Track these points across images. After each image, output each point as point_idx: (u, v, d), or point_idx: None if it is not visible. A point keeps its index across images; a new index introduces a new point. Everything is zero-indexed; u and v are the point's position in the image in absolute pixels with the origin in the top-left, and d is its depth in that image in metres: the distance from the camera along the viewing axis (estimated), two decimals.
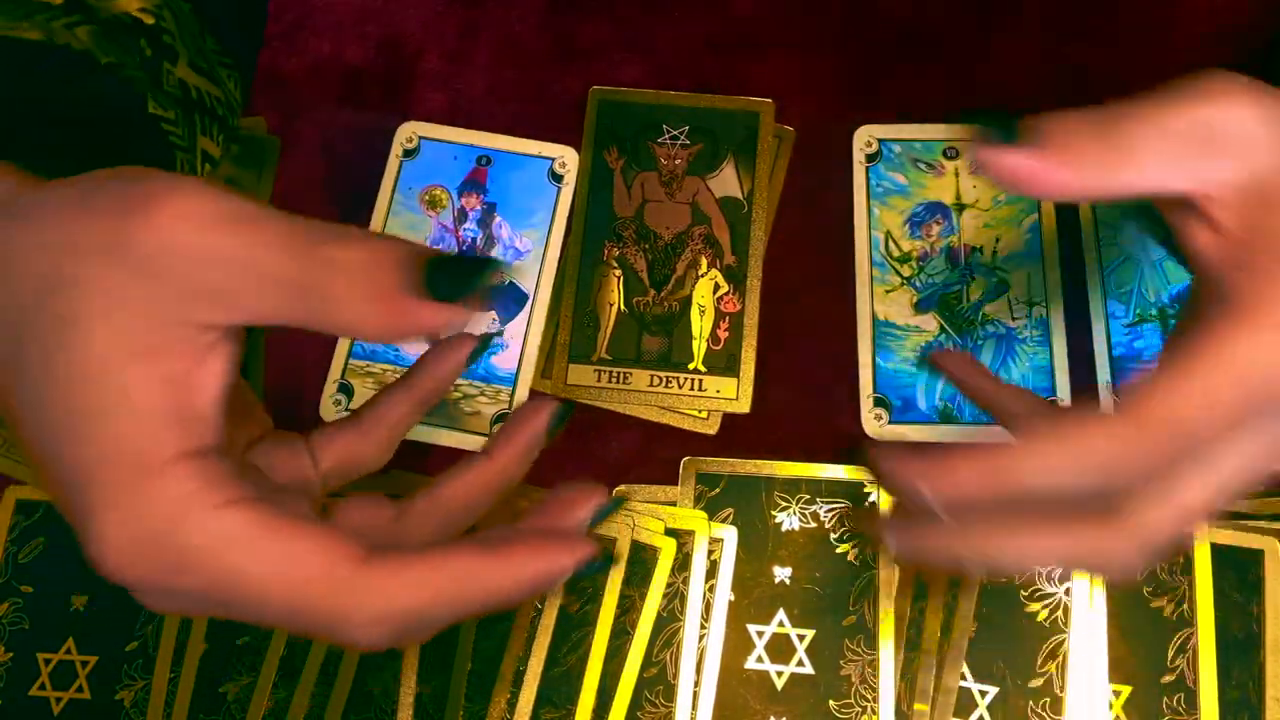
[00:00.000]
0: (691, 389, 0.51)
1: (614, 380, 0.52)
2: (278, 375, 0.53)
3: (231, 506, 0.28)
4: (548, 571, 0.31)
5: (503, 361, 0.53)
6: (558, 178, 0.56)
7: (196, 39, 0.48)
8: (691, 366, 0.52)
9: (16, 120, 0.38)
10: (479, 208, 0.55)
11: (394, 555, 0.29)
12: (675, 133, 0.56)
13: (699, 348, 0.52)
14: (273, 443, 0.37)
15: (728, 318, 0.53)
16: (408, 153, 0.56)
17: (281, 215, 0.29)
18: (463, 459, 0.37)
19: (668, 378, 0.52)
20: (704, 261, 0.53)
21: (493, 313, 0.53)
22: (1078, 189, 0.33)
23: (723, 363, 0.52)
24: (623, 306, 0.53)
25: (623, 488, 0.50)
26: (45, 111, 0.39)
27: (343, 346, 0.53)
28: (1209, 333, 0.30)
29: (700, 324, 0.53)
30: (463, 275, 0.30)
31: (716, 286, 0.53)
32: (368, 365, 0.53)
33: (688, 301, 0.53)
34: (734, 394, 0.51)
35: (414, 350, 0.53)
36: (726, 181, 0.55)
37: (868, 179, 0.55)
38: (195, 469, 0.28)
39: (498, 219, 0.55)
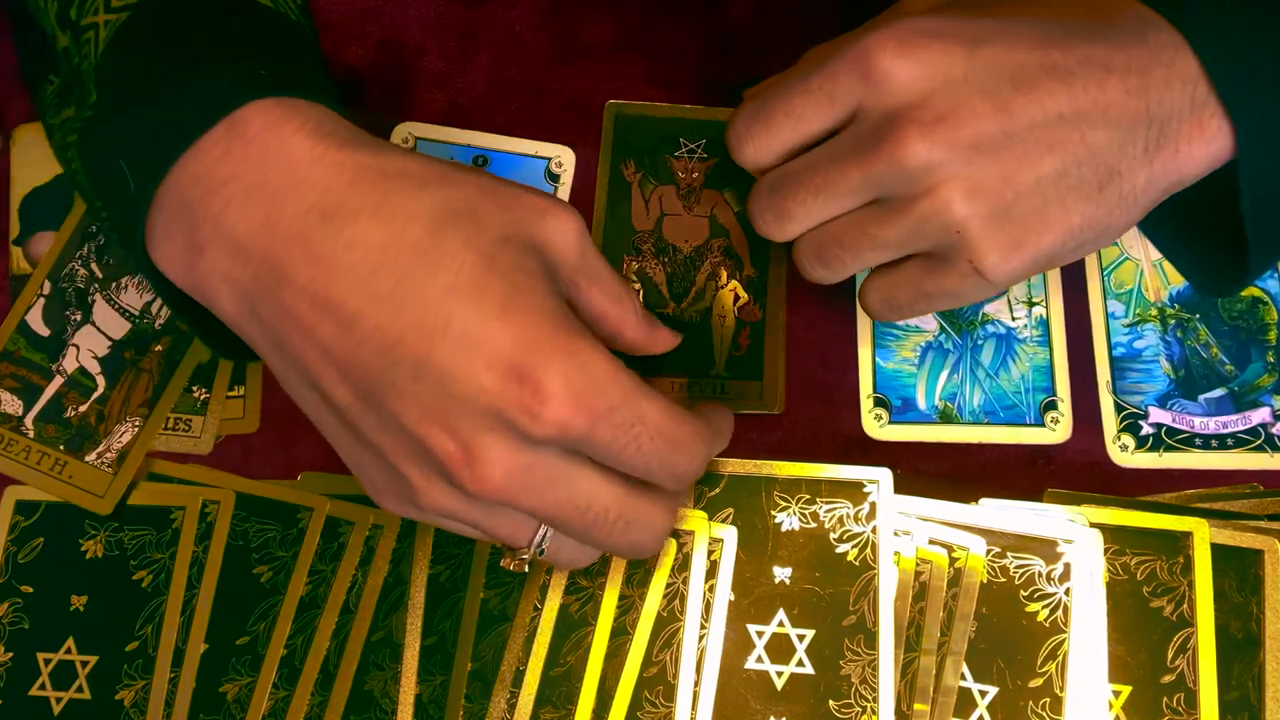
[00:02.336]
0: (715, 393, 0.51)
1: None
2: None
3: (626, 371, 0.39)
4: (728, 429, 0.46)
5: None
6: (554, 177, 0.56)
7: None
8: (713, 373, 0.52)
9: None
10: None
11: (698, 413, 0.42)
12: (692, 146, 0.56)
13: (721, 354, 0.52)
14: None
15: (749, 326, 0.52)
16: None
17: (606, 266, 0.44)
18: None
19: (690, 384, 0.52)
20: (724, 273, 0.53)
21: None
22: (756, 159, 0.44)
23: (745, 368, 0.52)
24: None
25: None
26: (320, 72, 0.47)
27: None
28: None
29: (721, 333, 0.52)
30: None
31: (737, 297, 0.53)
32: None
33: (708, 312, 0.53)
34: (758, 394, 0.51)
35: None
36: (744, 195, 0.55)
37: None
38: (601, 348, 0.38)
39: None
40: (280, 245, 0.37)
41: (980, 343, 0.51)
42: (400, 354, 0.36)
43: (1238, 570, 0.46)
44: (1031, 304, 0.52)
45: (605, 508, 0.39)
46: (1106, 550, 0.46)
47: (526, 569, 0.42)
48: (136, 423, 0.51)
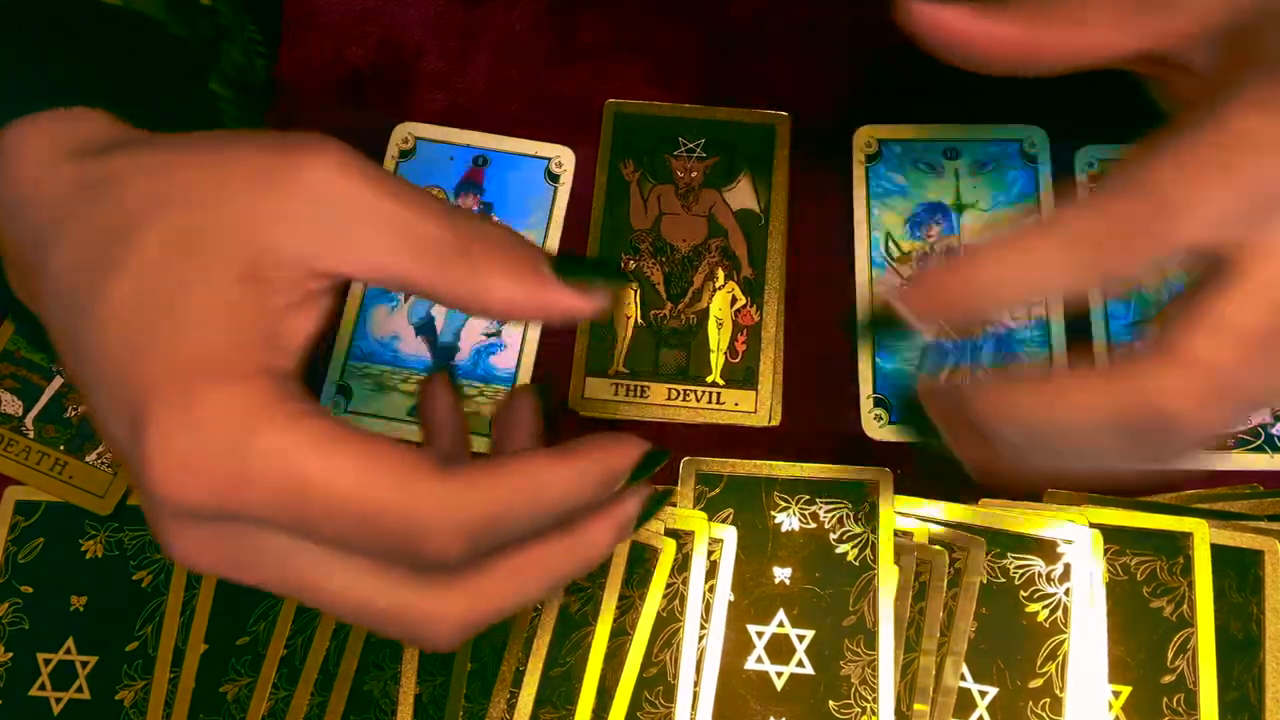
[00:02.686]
0: (710, 402, 0.51)
1: (631, 394, 0.52)
2: None
3: (307, 416, 0.27)
4: (615, 467, 0.31)
5: (501, 361, 0.53)
6: (554, 178, 0.56)
7: (245, 27, 0.48)
8: (709, 380, 0.52)
9: (114, 76, 0.38)
10: (476, 208, 0.55)
11: (468, 464, 0.29)
12: (691, 145, 0.56)
13: (717, 361, 0.52)
14: None
15: (745, 330, 0.52)
16: (404, 154, 0.56)
17: (425, 191, 0.30)
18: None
19: (685, 391, 0.52)
20: (721, 274, 0.53)
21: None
22: (1015, 55, 0.32)
23: (741, 376, 0.52)
24: (640, 320, 0.53)
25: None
26: (119, 73, 0.38)
27: (340, 348, 0.53)
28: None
29: (718, 337, 0.52)
30: (587, 268, 0.31)
31: (734, 299, 0.53)
32: (365, 367, 0.53)
33: (705, 314, 0.53)
34: (752, 407, 0.51)
35: (411, 351, 0.53)
36: (743, 194, 0.55)
37: (867, 179, 0.54)
38: (274, 384, 0.28)
39: (495, 219, 0.55)
40: (21, 268, 0.34)
41: (980, 343, 0.51)
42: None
43: (1238, 570, 0.46)
44: (1031, 304, 0.52)
45: (335, 593, 0.30)
46: (1106, 550, 0.46)
47: None
48: None
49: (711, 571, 0.47)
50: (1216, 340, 0.28)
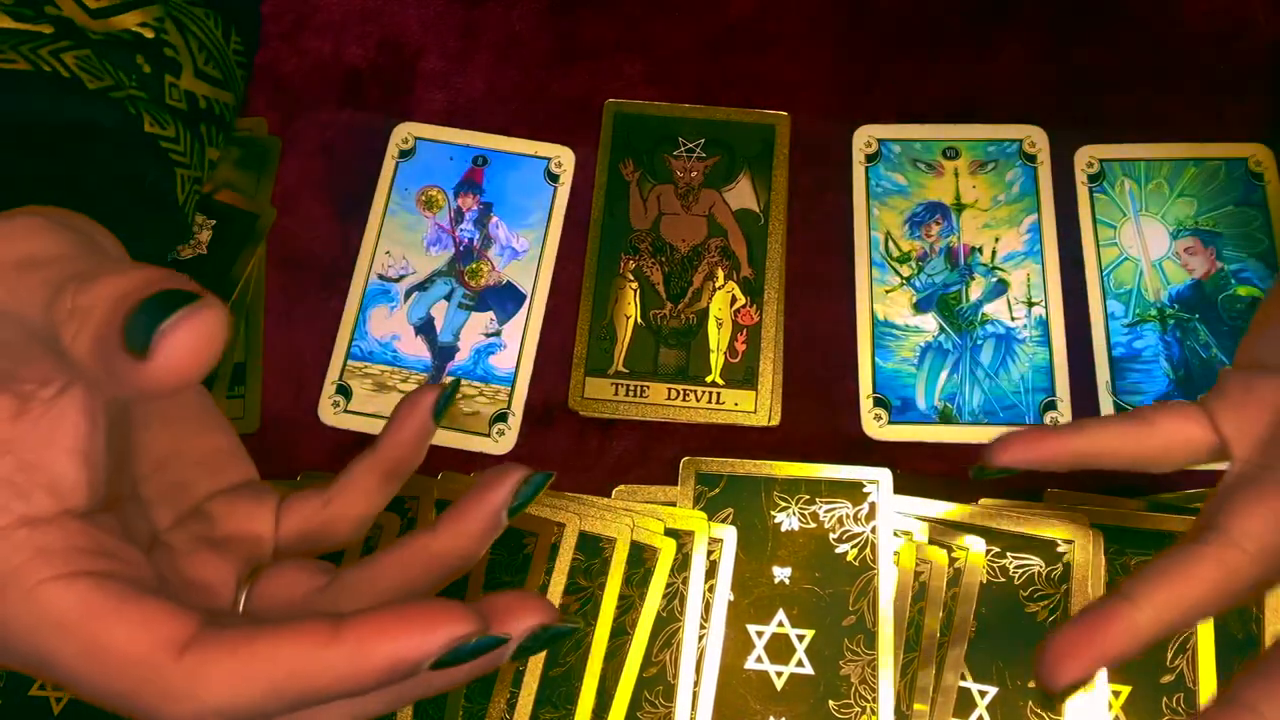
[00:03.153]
0: (709, 402, 0.51)
1: (631, 394, 0.52)
2: (276, 377, 0.53)
3: (58, 581, 0.26)
4: (403, 656, 0.25)
5: (501, 361, 0.53)
6: (554, 177, 0.56)
7: (215, 44, 0.47)
8: (709, 379, 0.52)
9: (4, 150, 0.37)
10: (476, 208, 0.55)
11: (220, 639, 0.25)
12: (691, 145, 0.56)
13: (717, 361, 0.52)
14: (245, 493, 0.34)
15: (745, 330, 0.52)
16: (404, 153, 0.56)
17: (74, 257, 0.26)
18: (409, 533, 0.31)
19: (685, 391, 0.52)
20: (720, 274, 0.53)
21: (491, 313, 0.53)
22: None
23: (740, 376, 0.52)
24: (639, 319, 0.53)
25: (622, 488, 0.50)
26: (30, 140, 0.38)
27: (340, 347, 0.53)
28: None
29: (717, 337, 0.52)
30: (149, 315, 0.24)
31: (734, 299, 0.53)
32: (365, 366, 0.53)
33: (704, 314, 0.53)
34: (752, 407, 0.51)
35: (411, 351, 0.53)
36: (743, 194, 0.55)
37: (867, 179, 0.55)
38: (30, 538, 0.26)
39: (494, 219, 0.55)
40: None
41: (980, 343, 0.51)
42: None
43: None
44: (1031, 304, 0.52)
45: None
46: (1106, 550, 0.46)
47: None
48: None
49: (711, 571, 0.47)
50: None
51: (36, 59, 0.40)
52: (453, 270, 0.54)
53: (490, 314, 0.53)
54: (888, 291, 0.53)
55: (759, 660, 0.47)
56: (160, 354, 0.23)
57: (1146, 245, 0.52)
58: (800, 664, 0.47)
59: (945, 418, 0.50)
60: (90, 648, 0.25)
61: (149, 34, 0.44)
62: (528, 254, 0.54)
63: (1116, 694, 0.45)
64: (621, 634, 0.47)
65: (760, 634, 0.47)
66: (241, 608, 0.32)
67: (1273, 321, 0.37)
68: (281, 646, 0.25)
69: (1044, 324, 0.51)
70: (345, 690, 0.25)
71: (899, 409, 0.51)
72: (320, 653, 0.24)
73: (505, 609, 0.26)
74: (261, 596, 0.32)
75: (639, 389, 0.52)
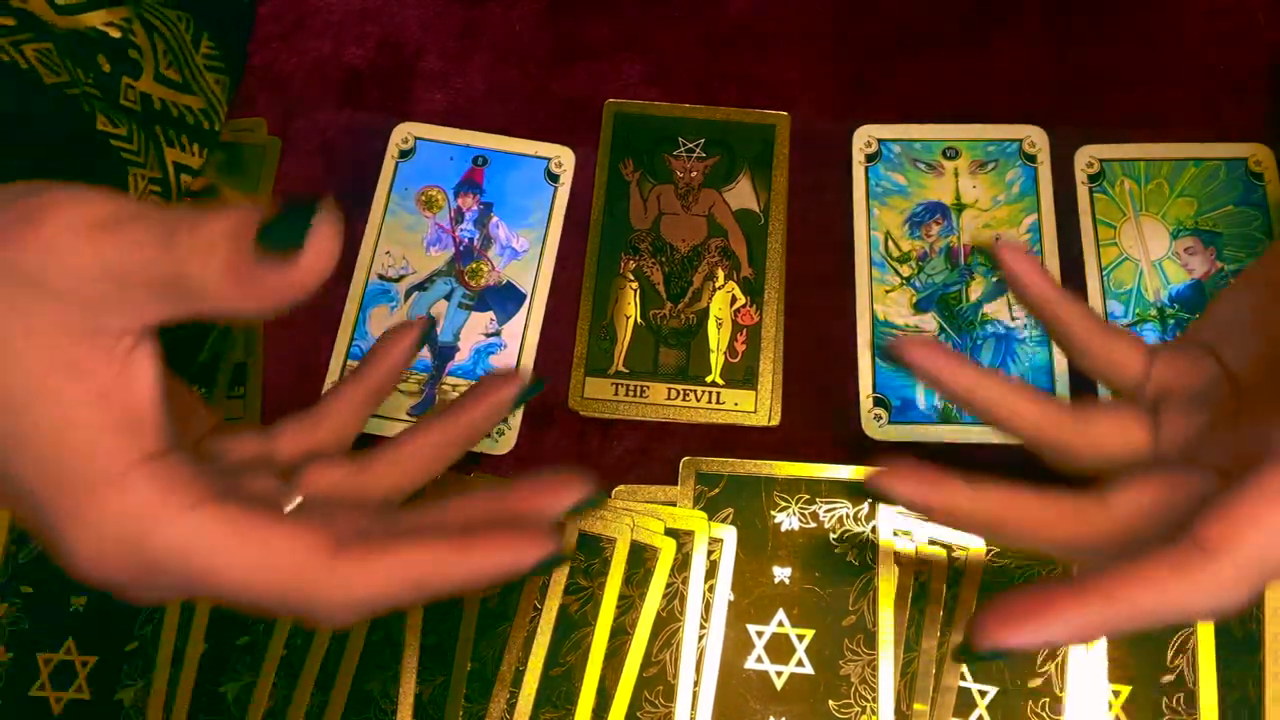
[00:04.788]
0: (709, 402, 0.51)
1: (631, 394, 0.52)
2: (276, 377, 0.53)
3: (197, 508, 0.29)
4: (509, 567, 0.31)
5: (501, 361, 0.53)
6: (554, 177, 0.56)
7: (182, 48, 0.47)
8: (709, 379, 0.52)
9: None
10: (476, 208, 0.55)
11: (361, 548, 0.30)
12: (691, 145, 0.56)
13: (717, 360, 0.52)
14: (225, 434, 0.37)
15: (745, 330, 0.52)
16: (404, 153, 0.56)
17: (149, 212, 0.28)
18: (424, 416, 0.38)
19: (685, 391, 0.52)
20: (720, 274, 0.53)
21: (491, 313, 0.54)
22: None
23: (740, 376, 0.52)
24: (639, 319, 0.53)
25: (622, 488, 0.50)
26: None
27: (340, 347, 0.53)
28: None
29: (717, 336, 0.52)
30: (291, 224, 0.27)
31: (734, 299, 0.53)
32: None
33: (704, 314, 0.53)
34: (752, 407, 0.51)
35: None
36: (743, 194, 0.55)
37: (867, 179, 0.55)
38: (153, 474, 0.29)
39: (494, 219, 0.55)
40: None
41: (980, 343, 0.51)
42: None
43: None
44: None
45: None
46: None
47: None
48: None
49: (711, 571, 0.47)
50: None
51: None
52: (453, 270, 0.54)
53: (490, 314, 0.53)
54: (888, 291, 0.53)
55: (759, 660, 0.47)
56: (309, 255, 0.27)
57: (1146, 245, 0.52)
58: (800, 664, 0.47)
59: (945, 418, 0.50)
60: (252, 559, 0.29)
61: (115, 34, 0.44)
62: (528, 254, 0.54)
63: (1116, 694, 0.45)
64: (621, 634, 0.47)
65: (760, 634, 0.47)
66: (298, 506, 0.35)
67: (1218, 304, 0.37)
68: (422, 554, 0.30)
69: None
70: (457, 588, 0.31)
71: (899, 409, 0.51)
72: (452, 559, 0.30)
73: (552, 489, 0.34)
74: (311, 496, 0.35)
75: (639, 389, 0.52)
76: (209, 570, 0.29)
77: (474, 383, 0.39)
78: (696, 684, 0.46)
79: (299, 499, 0.34)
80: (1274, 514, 0.29)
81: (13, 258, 0.28)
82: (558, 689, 0.47)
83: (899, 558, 0.47)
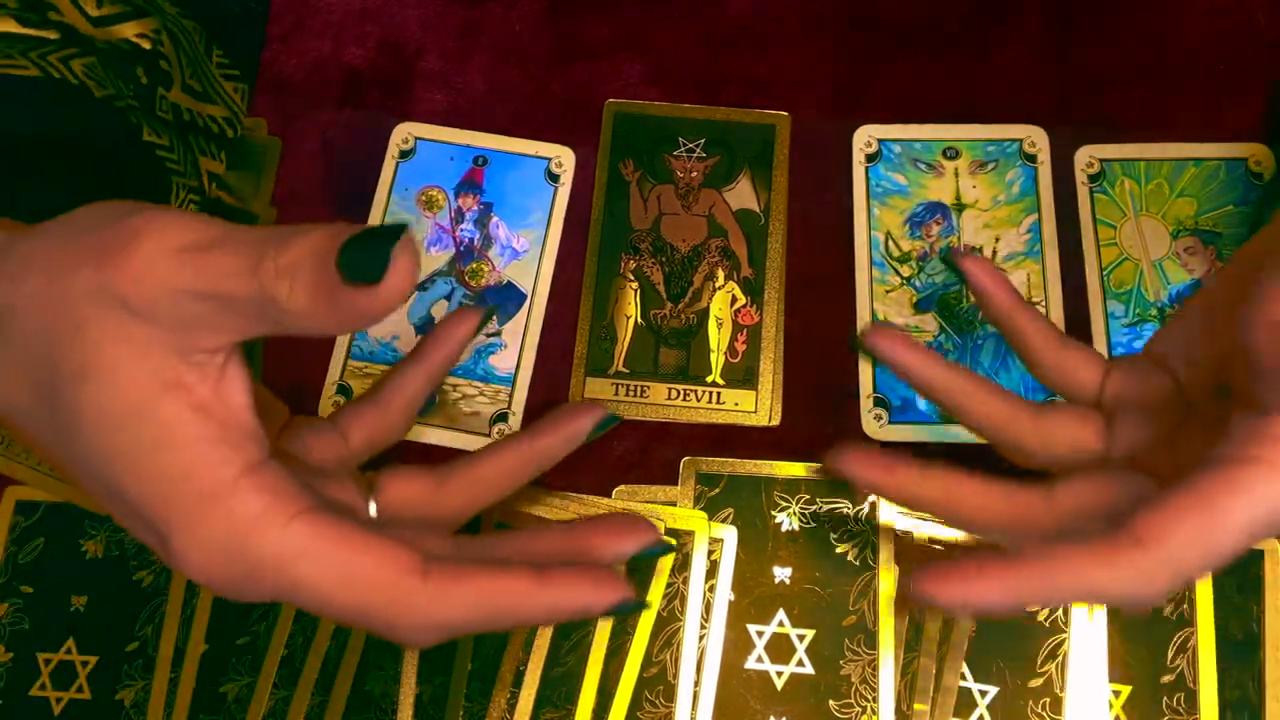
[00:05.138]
0: (710, 402, 0.51)
1: (631, 394, 0.52)
2: (276, 377, 0.53)
3: (297, 520, 0.30)
4: (588, 606, 0.32)
5: (501, 362, 0.53)
6: (554, 177, 0.56)
7: (198, 58, 0.48)
8: (710, 379, 0.52)
9: (14, 158, 0.38)
10: (476, 208, 0.55)
11: (450, 571, 0.31)
12: (691, 145, 0.56)
13: (717, 361, 0.52)
14: (301, 427, 0.39)
15: (745, 330, 0.52)
16: (404, 154, 0.56)
17: (239, 233, 0.29)
18: (504, 439, 0.41)
19: (685, 391, 0.52)
20: (721, 274, 0.53)
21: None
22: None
23: (741, 376, 0.52)
24: (640, 319, 0.53)
25: (622, 488, 0.50)
26: (43, 146, 0.39)
27: (341, 348, 0.53)
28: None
29: (718, 337, 0.52)
30: (371, 248, 0.28)
31: (734, 299, 0.53)
32: (366, 366, 0.53)
33: (705, 314, 0.53)
34: (752, 407, 0.51)
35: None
36: (743, 194, 0.55)
37: (867, 179, 0.55)
38: (257, 486, 0.30)
39: (495, 219, 0.55)
40: None
41: (980, 342, 0.51)
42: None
43: (1237, 571, 0.46)
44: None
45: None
46: None
47: None
48: None
49: (711, 571, 0.47)
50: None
51: (45, 65, 0.41)
52: (453, 270, 0.54)
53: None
54: (888, 291, 0.53)
55: (759, 660, 0.47)
56: (393, 276, 0.28)
57: (1146, 245, 0.52)
58: (800, 664, 0.47)
59: (946, 417, 0.50)
60: (344, 574, 0.30)
61: (146, 45, 0.45)
62: (528, 254, 0.54)
63: (1116, 694, 0.45)
64: (621, 634, 0.47)
65: (760, 634, 0.47)
66: (375, 515, 0.37)
67: (1173, 322, 0.39)
68: (506, 583, 0.31)
69: None
70: (537, 621, 0.32)
71: (899, 409, 0.51)
72: (530, 592, 0.31)
73: (618, 531, 0.35)
74: (387, 506, 0.38)
75: (639, 389, 0.52)
76: (304, 580, 0.30)
77: (554, 410, 0.42)
78: (697, 684, 0.46)
79: (374, 507, 0.36)
80: (1199, 516, 0.31)
81: (109, 280, 0.29)
82: (558, 689, 0.47)
83: (899, 558, 0.47)
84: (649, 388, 0.52)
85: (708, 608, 0.47)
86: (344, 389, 0.52)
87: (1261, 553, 0.46)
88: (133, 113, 0.43)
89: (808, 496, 0.48)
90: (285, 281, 0.28)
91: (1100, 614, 0.45)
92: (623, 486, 0.50)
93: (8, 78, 0.40)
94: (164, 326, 0.29)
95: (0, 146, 0.39)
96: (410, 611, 0.31)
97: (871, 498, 0.48)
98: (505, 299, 0.54)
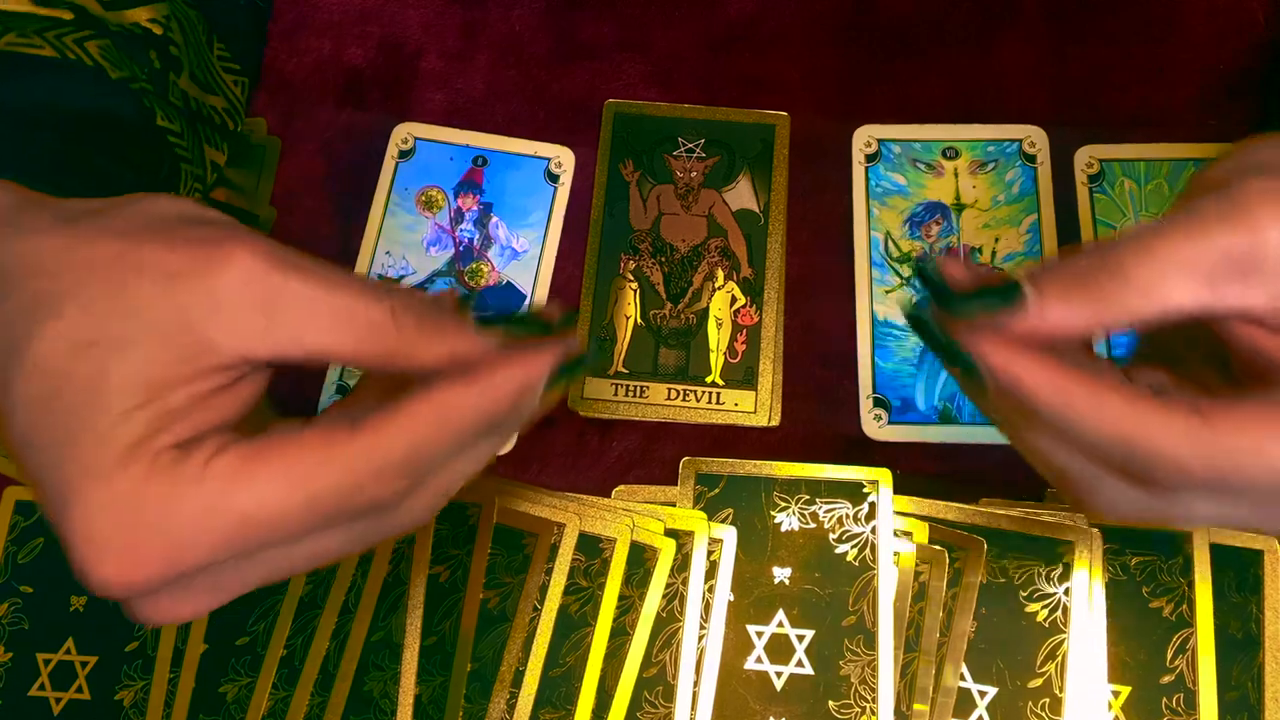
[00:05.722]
0: (709, 402, 0.51)
1: (631, 394, 0.52)
2: (276, 377, 0.53)
3: (214, 459, 0.28)
4: (528, 380, 0.30)
5: None
6: (554, 178, 0.56)
7: (201, 49, 0.48)
8: (709, 380, 0.52)
9: (31, 135, 0.38)
10: (475, 208, 0.55)
11: (376, 413, 0.29)
12: (691, 145, 0.56)
13: (716, 361, 0.52)
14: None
15: (745, 330, 0.52)
16: (403, 154, 0.56)
17: (336, 266, 0.30)
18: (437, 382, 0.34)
19: (685, 391, 0.52)
20: (720, 274, 0.53)
21: None
22: (1089, 329, 0.31)
23: (740, 376, 0.52)
24: (639, 320, 0.53)
25: (622, 488, 0.50)
26: (59, 127, 0.39)
27: None
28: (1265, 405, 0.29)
29: (717, 337, 0.52)
30: (503, 321, 0.31)
31: (733, 299, 0.53)
32: None
33: (704, 314, 0.53)
34: (752, 407, 0.51)
35: None
36: (742, 194, 0.55)
37: (867, 179, 0.55)
38: (177, 450, 0.28)
39: (494, 219, 0.55)
40: None
41: None
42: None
43: (1237, 570, 0.46)
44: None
45: (313, 557, 0.32)
46: (1106, 550, 0.46)
47: None
48: None
49: (711, 571, 0.47)
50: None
51: (61, 46, 0.41)
52: (453, 270, 0.54)
53: None
54: (888, 292, 0.53)
55: (759, 660, 0.47)
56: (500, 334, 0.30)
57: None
58: (800, 664, 0.47)
59: (945, 418, 0.50)
60: (285, 474, 0.28)
61: (157, 30, 0.45)
62: (528, 254, 0.54)
63: (1116, 694, 0.45)
64: (621, 634, 0.47)
65: (760, 634, 0.47)
66: None
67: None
68: (432, 398, 0.29)
69: None
70: (491, 420, 0.30)
71: (899, 409, 0.51)
72: (465, 394, 0.29)
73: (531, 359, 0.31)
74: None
75: (639, 389, 0.52)
76: (245, 516, 0.28)
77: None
78: (696, 684, 0.46)
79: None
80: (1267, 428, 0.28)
81: (193, 270, 0.28)
82: (558, 689, 0.47)
83: (899, 558, 0.47)
84: (649, 388, 0.52)
85: (707, 608, 0.47)
86: (344, 388, 0.52)
87: (1260, 553, 0.46)
88: (147, 96, 0.43)
89: (807, 497, 0.48)
90: (413, 315, 0.30)
91: (1100, 614, 0.45)
92: (622, 486, 0.50)
93: (24, 56, 0.40)
94: (223, 319, 0.28)
95: (17, 121, 0.38)
96: (360, 468, 0.29)
97: (871, 499, 0.48)
98: (505, 299, 0.54)
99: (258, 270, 0.28)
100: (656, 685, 0.47)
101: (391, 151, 0.56)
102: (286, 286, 0.29)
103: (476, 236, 0.55)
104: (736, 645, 0.47)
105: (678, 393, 0.52)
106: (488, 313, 0.31)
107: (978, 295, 0.31)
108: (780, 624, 0.47)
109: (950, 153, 0.55)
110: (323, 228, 0.56)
